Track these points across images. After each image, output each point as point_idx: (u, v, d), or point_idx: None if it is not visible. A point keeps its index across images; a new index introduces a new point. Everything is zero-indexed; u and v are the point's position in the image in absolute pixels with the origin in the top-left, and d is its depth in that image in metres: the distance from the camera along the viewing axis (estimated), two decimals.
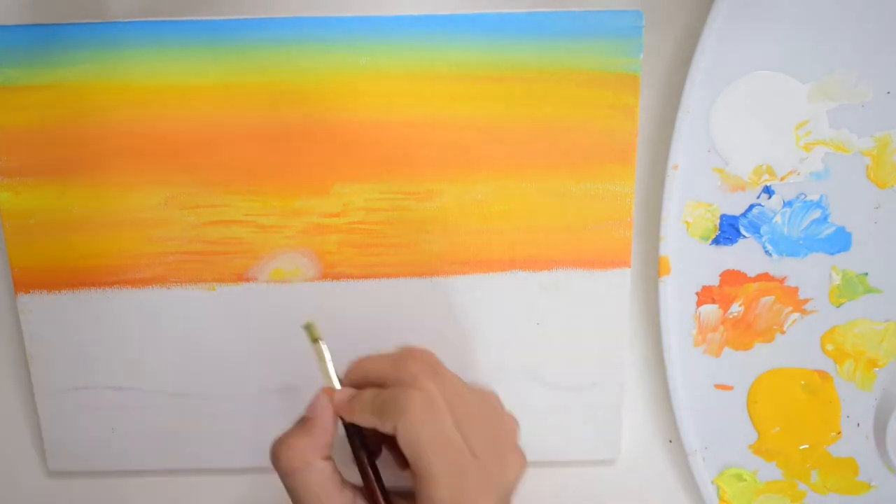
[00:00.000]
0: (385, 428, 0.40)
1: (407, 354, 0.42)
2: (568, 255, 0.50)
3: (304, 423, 0.42)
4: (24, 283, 0.50)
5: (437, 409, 0.39)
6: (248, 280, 0.50)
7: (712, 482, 0.53)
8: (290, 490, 0.41)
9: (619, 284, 0.51)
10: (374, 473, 0.42)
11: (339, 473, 0.42)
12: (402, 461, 0.42)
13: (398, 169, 0.49)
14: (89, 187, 0.49)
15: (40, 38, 0.46)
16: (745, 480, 0.53)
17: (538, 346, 0.51)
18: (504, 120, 0.48)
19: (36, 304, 0.50)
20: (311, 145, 0.48)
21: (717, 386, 0.52)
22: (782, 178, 0.49)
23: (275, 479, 0.54)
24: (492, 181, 0.49)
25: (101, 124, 0.48)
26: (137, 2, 0.48)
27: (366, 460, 0.42)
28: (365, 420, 0.41)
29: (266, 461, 0.53)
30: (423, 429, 0.39)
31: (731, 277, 0.51)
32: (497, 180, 0.49)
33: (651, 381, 0.54)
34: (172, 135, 0.48)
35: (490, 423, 0.42)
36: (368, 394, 0.42)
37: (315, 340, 0.43)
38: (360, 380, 0.43)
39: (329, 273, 0.50)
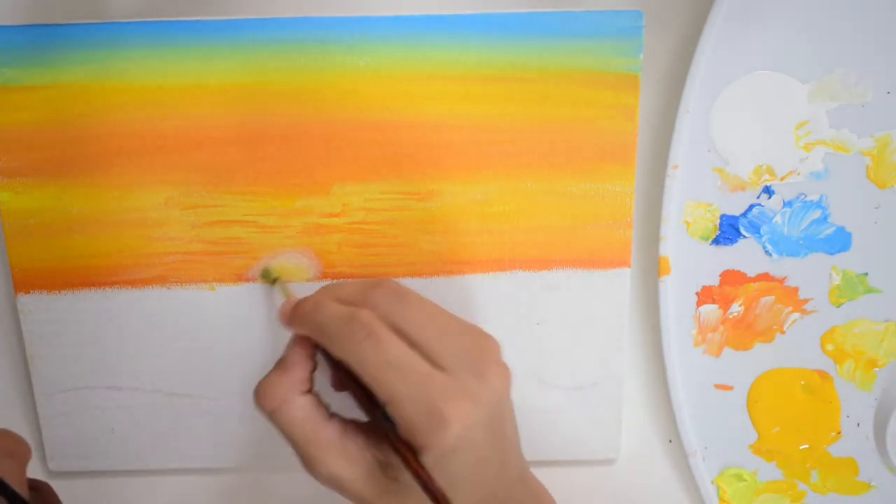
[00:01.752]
0: (330, 349, 0.40)
1: (374, 284, 0.42)
2: (568, 255, 0.50)
3: (280, 361, 0.43)
4: (24, 283, 0.50)
5: (378, 334, 0.39)
6: (248, 280, 0.50)
7: (712, 482, 0.53)
8: (278, 429, 0.42)
9: (619, 284, 0.50)
10: (358, 390, 0.42)
11: (325, 407, 0.42)
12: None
13: (398, 169, 0.49)
14: (89, 187, 0.48)
15: (40, 39, 0.46)
16: (745, 480, 0.53)
17: (538, 345, 0.51)
18: (504, 120, 0.48)
19: (36, 305, 0.50)
20: (311, 145, 0.48)
21: (717, 386, 0.52)
22: (782, 178, 0.49)
23: (275, 478, 0.55)
24: (492, 181, 0.49)
25: (101, 124, 0.48)
26: (137, 2, 0.48)
27: (347, 379, 0.42)
28: (304, 330, 0.42)
29: (267, 460, 0.53)
30: (368, 354, 0.39)
31: (731, 277, 0.51)
32: (497, 180, 0.49)
33: (651, 381, 0.54)
34: (172, 135, 0.48)
35: (464, 342, 0.41)
36: (307, 303, 0.42)
37: (273, 281, 0.44)
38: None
39: (329, 273, 0.50)
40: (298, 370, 0.42)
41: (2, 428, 0.40)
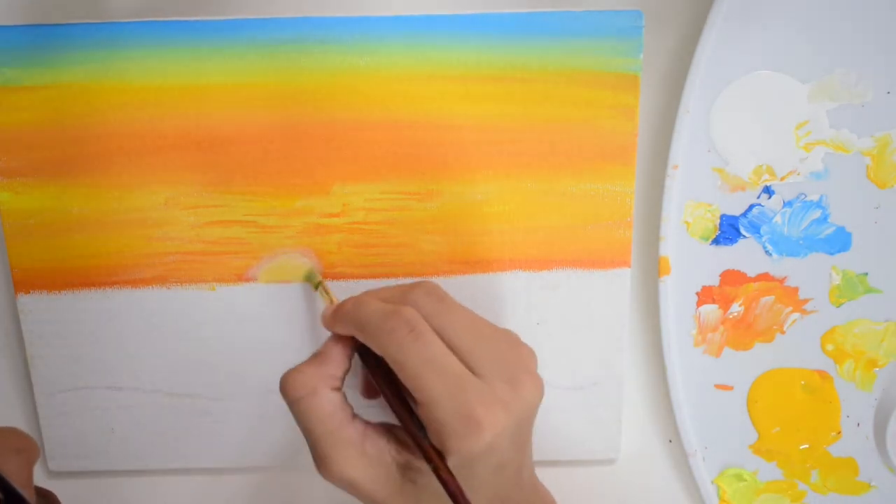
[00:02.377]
0: (371, 345, 0.40)
1: (414, 285, 0.42)
2: (568, 255, 0.50)
3: (315, 354, 0.43)
4: (24, 283, 0.50)
5: (421, 333, 0.39)
6: (248, 280, 0.50)
7: (712, 482, 0.53)
8: (298, 419, 0.41)
9: (619, 284, 0.50)
10: (393, 393, 0.42)
11: (351, 407, 0.42)
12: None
13: (398, 169, 0.49)
14: (89, 187, 0.48)
15: (40, 39, 0.46)
16: (745, 480, 0.53)
17: (538, 345, 0.50)
18: (504, 120, 0.48)
19: (36, 305, 0.50)
20: (311, 145, 0.48)
21: (717, 386, 0.52)
22: (782, 178, 0.49)
23: (276, 478, 0.55)
24: (492, 181, 0.49)
25: (101, 124, 0.48)
26: (137, 2, 0.48)
27: (383, 382, 0.42)
28: (347, 328, 0.42)
29: (267, 460, 0.53)
30: (409, 353, 0.39)
31: (731, 277, 0.51)
32: (497, 180, 0.49)
33: (651, 381, 0.54)
34: (172, 135, 0.48)
35: (501, 349, 0.41)
36: (349, 302, 0.42)
37: (317, 286, 0.44)
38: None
39: (329, 273, 0.50)
40: (333, 366, 0.42)
41: (10, 427, 0.40)
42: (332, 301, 0.45)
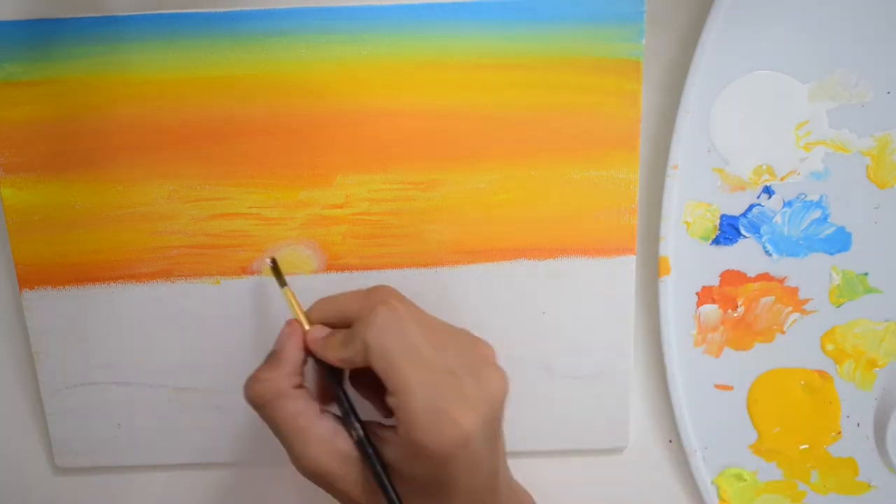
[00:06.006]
0: (356, 356, 0.40)
1: (372, 288, 0.42)
2: (573, 243, 0.50)
3: (270, 356, 0.43)
4: (29, 279, 0.50)
5: (403, 320, 0.40)
6: (252, 273, 0.50)
7: (712, 482, 0.53)
8: (269, 423, 0.42)
9: (624, 271, 0.50)
10: (347, 401, 0.42)
11: (316, 403, 0.42)
12: (384, 407, 0.42)
13: (401, 159, 0.49)
14: (92, 182, 0.49)
15: (41, 34, 0.47)
16: (745, 480, 0.53)
17: (544, 335, 0.51)
18: (506, 108, 0.48)
19: (40, 301, 0.51)
20: (314, 136, 0.48)
21: (717, 386, 0.53)
22: (782, 178, 0.50)
23: (282, 473, 0.55)
24: (495, 170, 0.49)
25: (104, 119, 0.48)
26: None
27: (338, 386, 0.43)
28: (338, 356, 0.42)
29: (275, 454, 0.53)
30: (391, 338, 0.39)
31: (731, 277, 0.51)
32: (500, 169, 0.49)
33: (651, 381, 0.54)
34: (174, 128, 0.48)
35: (462, 345, 0.41)
36: (340, 333, 0.42)
37: (283, 284, 0.45)
38: (326, 315, 0.44)
39: (334, 264, 0.50)
40: (290, 364, 0.42)
41: None
42: (296, 311, 0.45)
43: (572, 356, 0.52)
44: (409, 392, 0.38)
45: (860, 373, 0.52)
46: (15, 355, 0.54)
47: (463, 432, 0.38)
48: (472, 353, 0.41)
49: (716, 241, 0.51)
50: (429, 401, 0.38)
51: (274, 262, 0.48)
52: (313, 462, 0.41)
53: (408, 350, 0.39)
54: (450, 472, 0.39)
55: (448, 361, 0.40)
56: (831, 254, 0.50)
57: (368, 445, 0.41)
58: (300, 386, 0.42)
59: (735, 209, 0.50)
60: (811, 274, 0.51)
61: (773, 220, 0.50)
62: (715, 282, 0.51)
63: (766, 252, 0.51)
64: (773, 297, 0.51)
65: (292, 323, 0.44)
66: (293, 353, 0.43)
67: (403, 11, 0.47)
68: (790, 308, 0.51)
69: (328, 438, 0.41)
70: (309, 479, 0.42)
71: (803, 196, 0.50)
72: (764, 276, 0.51)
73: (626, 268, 0.50)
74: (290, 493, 0.56)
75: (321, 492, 0.42)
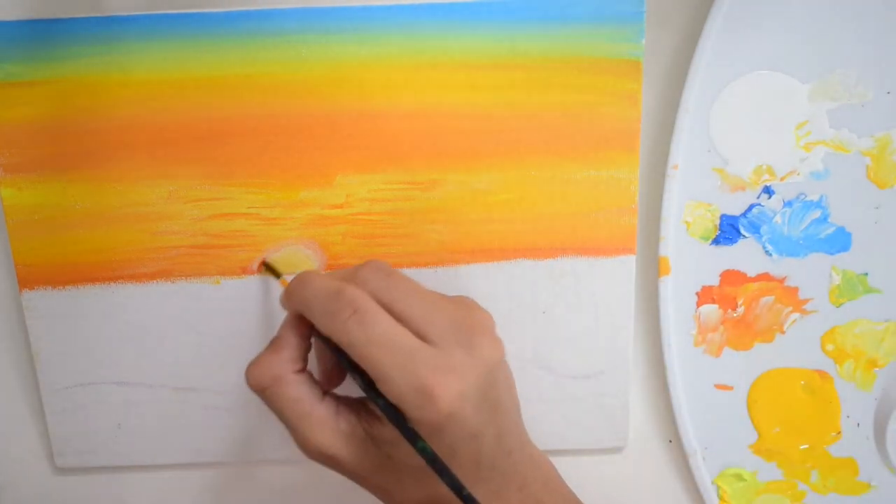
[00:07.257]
0: (318, 326, 0.41)
1: (362, 264, 0.43)
2: (572, 243, 0.50)
3: (273, 341, 0.43)
4: (29, 279, 0.50)
5: (364, 311, 0.40)
6: (253, 273, 0.50)
7: (712, 482, 0.53)
8: (271, 408, 0.42)
9: (624, 271, 0.50)
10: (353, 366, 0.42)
11: (318, 386, 0.43)
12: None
13: (401, 159, 0.49)
14: (92, 182, 0.49)
15: (41, 33, 0.47)
16: (745, 480, 0.53)
17: (544, 334, 0.51)
18: (506, 108, 0.48)
19: (40, 301, 0.50)
20: (314, 136, 0.48)
21: (717, 386, 0.53)
22: (782, 178, 0.50)
23: (282, 472, 0.55)
24: (495, 170, 0.49)
25: (104, 119, 0.48)
26: None
27: (347, 362, 0.42)
28: (295, 308, 0.42)
29: (275, 454, 0.53)
30: (353, 333, 0.39)
31: (731, 277, 0.51)
32: (500, 169, 0.49)
33: (651, 381, 0.54)
34: (174, 128, 0.48)
35: (454, 316, 0.41)
36: (295, 281, 0.42)
37: (279, 276, 0.46)
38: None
39: (334, 264, 0.50)
40: (291, 349, 0.42)
41: None
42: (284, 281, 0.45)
43: (572, 356, 0.52)
44: (385, 379, 0.39)
45: (860, 373, 0.52)
46: (15, 355, 0.54)
47: (447, 403, 0.38)
48: (465, 323, 0.41)
49: (716, 241, 0.51)
50: (406, 380, 0.38)
51: (265, 264, 0.48)
52: (318, 445, 0.41)
53: (372, 341, 0.39)
54: (446, 443, 0.39)
55: (432, 334, 0.40)
56: (831, 254, 0.50)
57: (393, 412, 0.40)
58: (301, 371, 0.43)
59: (735, 209, 0.50)
60: (811, 274, 0.51)
61: (773, 220, 0.50)
62: (715, 282, 0.51)
63: (766, 252, 0.51)
64: (773, 297, 0.51)
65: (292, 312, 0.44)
66: (294, 338, 0.43)
67: (403, 11, 0.47)
68: (790, 308, 0.51)
69: (330, 421, 0.42)
70: (316, 461, 0.42)
71: (803, 196, 0.50)
72: (764, 276, 0.51)
73: (626, 268, 0.50)
74: (291, 493, 0.56)
75: (321, 491, 0.42)
